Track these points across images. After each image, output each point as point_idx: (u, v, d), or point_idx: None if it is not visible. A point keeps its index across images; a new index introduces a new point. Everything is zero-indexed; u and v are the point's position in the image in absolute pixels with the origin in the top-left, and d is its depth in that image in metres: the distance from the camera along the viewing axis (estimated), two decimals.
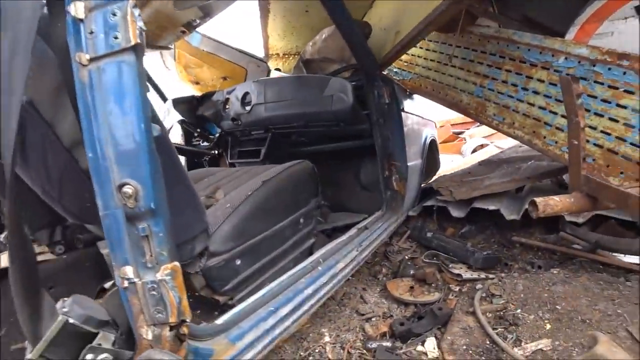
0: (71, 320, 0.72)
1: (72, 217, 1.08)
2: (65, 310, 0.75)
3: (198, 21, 2.36)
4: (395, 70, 2.49)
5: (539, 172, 2.25)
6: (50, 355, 0.69)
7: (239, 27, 3.41)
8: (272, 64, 3.17)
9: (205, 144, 2.75)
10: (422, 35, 1.64)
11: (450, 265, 1.68)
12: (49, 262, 1.59)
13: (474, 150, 5.29)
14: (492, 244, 1.98)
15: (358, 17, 2.57)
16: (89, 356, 0.69)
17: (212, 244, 1.07)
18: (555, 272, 1.53)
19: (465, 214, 2.05)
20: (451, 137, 6.44)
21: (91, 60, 0.67)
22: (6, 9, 0.70)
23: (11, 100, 0.69)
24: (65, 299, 0.80)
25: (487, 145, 5.14)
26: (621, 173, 1.58)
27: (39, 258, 1.70)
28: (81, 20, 0.68)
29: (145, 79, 0.69)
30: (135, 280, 0.70)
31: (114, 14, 0.67)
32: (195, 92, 3.15)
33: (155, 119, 0.75)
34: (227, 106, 2.33)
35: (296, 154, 2.37)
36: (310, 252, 1.48)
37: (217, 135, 2.59)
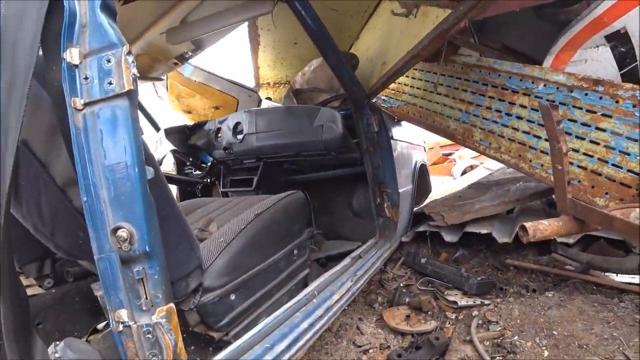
0: None
1: (64, 253, 1.07)
2: (57, 355, 0.74)
3: (190, 54, 2.42)
4: (383, 97, 2.56)
5: (528, 193, 2.30)
6: None
7: (231, 57, 3.50)
8: (263, 93, 3.23)
9: (198, 172, 2.76)
10: (407, 67, 1.70)
11: (446, 292, 1.68)
12: (36, 296, 1.56)
13: (464, 172, 5.38)
14: (486, 267, 1.99)
15: (346, 48, 2.67)
16: None
17: (206, 279, 1.06)
18: (550, 295, 1.54)
19: (458, 239, 2.07)
20: (441, 159, 6.55)
21: (86, 105, 0.69)
22: (4, 53, 0.71)
23: (7, 140, 0.70)
24: (57, 342, 0.78)
25: (476, 166, 5.24)
26: (606, 194, 1.62)
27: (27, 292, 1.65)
28: (76, 66, 0.70)
29: (138, 123, 0.70)
30: (131, 323, 0.69)
31: (109, 61, 0.69)
32: (188, 121, 3.18)
33: (149, 160, 0.77)
34: (219, 135, 2.35)
35: (288, 182, 2.39)
36: (304, 282, 1.47)
37: (210, 164, 2.60)
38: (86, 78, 0.69)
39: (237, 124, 2.18)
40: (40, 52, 0.77)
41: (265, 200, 1.40)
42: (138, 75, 0.69)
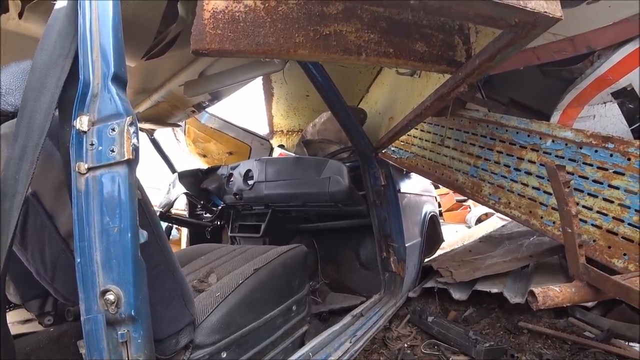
0: None
1: (62, 298, 1.10)
2: None
3: (207, 103, 2.55)
4: (393, 149, 2.59)
5: (543, 249, 2.22)
6: None
7: (246, 105, 3.66)
8: (276, 140, 3.34)
9: (208, 215, 2.80)
10: (413, 124, 1.73)
11: (451, 358, 1.59)
12: (33, 335, 1.55)
13: (479, 220, 5.26)
14: (498, 329, 1.88)
15: (356, 101, 2.76)
16: None
17: (198, 336, 1.04)
18: None
19: (467, 297, 1.99)
20: (455, 206, 6.45)
21: (89, 169, 0.73)
22: (21, 122, 0.77)
23: (13, 204, 0.73)
24: None
25: (492, 214, 5.12)
26: (624, 255, 1.55)
27: (25, 327, 1.66)
28: (84, 132, 0.74)
29: (135, 190, 0.74)
30: None
31: (113, 129, 0.73)
32: (203, 164, 3.29)
33: (147, 222, 0.79)
34: (230, 181, 2.41)
35: (296, 230, 2.39)
36: (302, 340, 1.42)
37: (220, 207, 2.64)
38: (92, 144, 0.74)
39: (248, 171, 2.24)
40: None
41: (267, 253, 1.39)
42: (138, 145, 0.73)
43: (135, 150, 0.72)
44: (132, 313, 0.68)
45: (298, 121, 3.24)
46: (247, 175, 2.26)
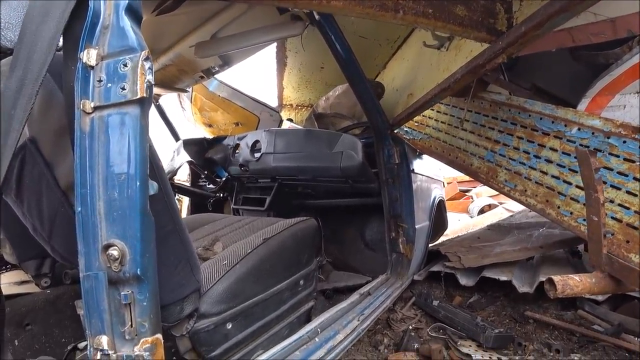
0: None
1: (60, 258, 1.03)
2: None
3: (217, 68, 2.44)
4: (405, 129, 2.50)
5: (552, 240, 2.17)
6: None
7: (256, 75, 3.54)
8: (285, 114, 3.23)
9: (212, 186, 2.73)
10: (436, 100, 1.64)
11: (459, 342, 1.55)
12: (29, 296, 1.51)
13: (482, 210, 5.20)
14: (503, 317, 1.85)
15: (372, 76, 2.65)
16: None
17: (203, 304, 0.99)
18: (576, 358, 1.40)
19: (474, 283, 1.95)
20: (458, 195, 6.39)
21: (95, 108, 0.65)
22: (20, 50, 0.69)
23: (7, 141, 0.66)
24: None
25: (495, 205, 5.06)
26: None
27: (22, 288, 1.62)
28: (92, 67, 0.66)
29: (147, 134, 0.66)
30: (110, 352, 0.62)
31: (125, 65, 0.65)
32: (208, 134, 3.19)
33: (155, 173, 0.71)
34: (236, 152, 2.33)
35: (301, 206, 2.33)
36: (308, 316, 1.37)
37: (224, 179, 2.57)
38: (100, 81, 0.65)
39: (256, 142, 2.15)
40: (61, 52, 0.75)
41: (275, 224, 1.33)
42: (153, 82, 0.64)
43: (150, 88, 0.63)
44: (138, 272, 0.61)
45: (309, 95, 3.12)
46: (255, 147, 2.17)
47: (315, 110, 2.47)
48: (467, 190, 6.53)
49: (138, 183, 0.61)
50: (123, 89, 0.63)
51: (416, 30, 2.21)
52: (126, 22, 0.68)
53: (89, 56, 0.66)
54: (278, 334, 1.21)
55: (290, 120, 3.04)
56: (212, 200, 2.68)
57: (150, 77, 0.63)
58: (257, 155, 2.12)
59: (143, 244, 0.62)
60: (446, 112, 2.36)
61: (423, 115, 2.50)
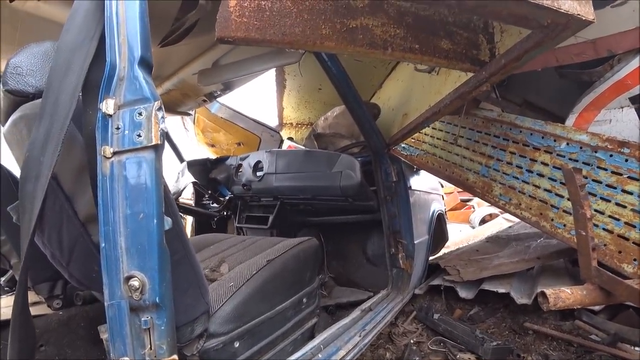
0: None
1: (77, 283, 1.08)
2: None
3: (219, 92, 2.53)
4: (403, 146, 2.58)
5: (550, 251, 2.22)
6: None
7: (257, 95, 3.64)
8: (285, 132, 3.32)
9: (215, 205, 2.80)
10: (429, 122, 1.72)
11: (458, 355, 1.59)
12: (43, 317, 1.57)
13: (483, 220, 5.25)
14: (503, 329, 1.89)
15: (368, 96, 2.74)
16: None
17: (212, 325, 1.05)
18: None
19: (474, 296, 1.99)
20: (459, 205, 6.44)
21: (114, 153, 0.72)
22: (47, 103, 0.77)
23: (38, 184, 0.73)
24: None
25: (496, 215, 5.11)
26: (634, 260, 1.55)
27: (34, 310, 1.67)
28: (110, 115, 0.74)
29: (162, 176, 0.73)
30: None
31: (140, 114, 0.73)
32: (211, 154, 3.28)
33: (169, 209, 0.79)
34: (239, 172, 2.41)
35: (303, 223, 2.39)
36: (311, 332, 1.43)
37: (227, 198, 2.64)
38: (118, 128, 0.73)
39: (258, 162, 2.23)
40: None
41: (278, 244, 1.39)
42: (166, 130, 0.72)
43: (163, 135, 0.71)
44: (157, 300, 0.68)
45: (308, 114, 3.22)
46: (257, 167, 2.25)
47: (314, 130, 2.56)
48: (468, 200, 6.57)
49: (155, 220, 0.69)
50: (139, 135, 0.71)
51: None
52: (139, 74, 0.76)
53: (107, 106, 0.74)
54: (283, 350, 1.26)
55: (290, 139, 3.12)
56: (216, 220, 2.74)
57: (163, 126, 0.71)
58: (259, 175, 2.20)
59: (161, 274, 0.69)
60: (441, 128, 2.44)
61: (419, 132, 2.58)
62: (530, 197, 1.92)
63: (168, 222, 0.71)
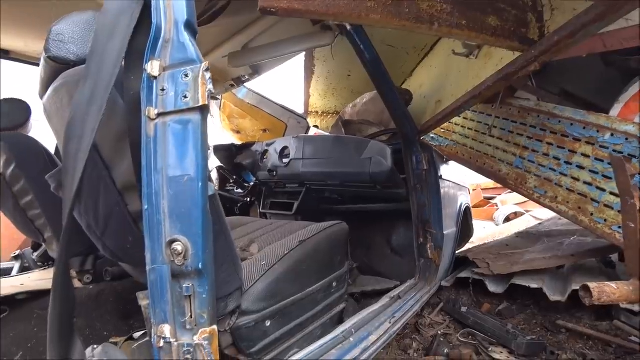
0: None
1: (110, 254, 1.09)
2: (94, 359, 0.73)
3: (247, 77, 2.52)
4: (432, 136, 2.51)
5: (585, 249, 2.13)
6: None
7: (283, 81, 3.61)
8: (310, 121, 3.29)
9: (240, 191, 2.80)
10: (466, 107, 1.66)
11: (490, 349, 1.54)
12: (75, 290, 1.60)
13: (507, 219, 5.10)
14: (534, 326, 1.82)
15: (398, 83, 2.68)
16: None
17: (244, 302, 1.03)
18: None
19: (503, 290, 1.93)
20: (482, 202, 6.28)
21: (159, 115, 0.71)
22: (91, 65, 0.76)
23: (81, 146, 0.73)
24: (95, 346, 0.78)
25: (521, 213, 4.95)
26: None
27: None
28: (155, 77, 0.72)
29: (207, 139, 0.71)
30: (172, 340, 0.67)
31: (186, 75, 0.71)
32: (235, 140, 3.29)
33: (210, 178, 0.77)
34: (265, 157, 2.39)
35: (328, 210, 2.36)
36: (340, 317, 1.40)
37: (252, 184, 2.64)
38: (163, 90, 0.72)
39: (285, 148, 2.21)
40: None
41: (309, 227, 1.37)
42: (213, 91, 0.70)
43: (209, 96, 0.69)
44: (200, 266, 0.67)
45: (335, 102, 3.18)
46: (283, 153, 2.23)
47: (342, 117, 2.52)
48: (492, 198, 6.41)
49: (200, 184, 0.67)
50: (185, 97, 0.69)
51: (443, 39, 2.24)
52: (185, 37, 0.74)
53: (152, 67, 0.73)
54: (312, 333, 1.24)
55: (316, 127, 3.09)
56: (239, 205, 2.75)
57: (210, 87, 0.69)
58: (285, 161, 2.18)
59: (205, 240, 0.67)
60: (473, 118, 2.36)
61: (449, 122, 2.51)
62: (567, 190, 1.83)
63: (211, 187, 0.70)
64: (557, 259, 2.04)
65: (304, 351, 1.04)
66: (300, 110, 3.28)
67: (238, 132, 3.25)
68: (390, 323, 1.34)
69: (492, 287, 1.96)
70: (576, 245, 2.22)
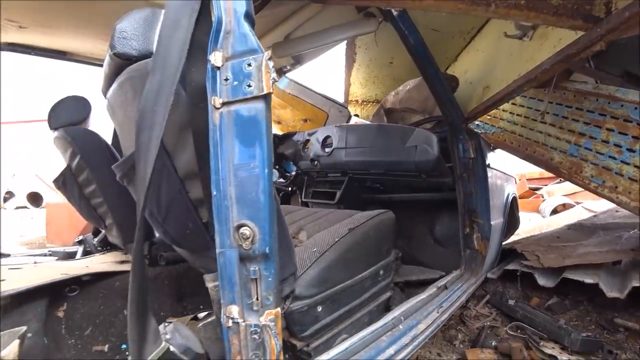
0: (172, 349, 0.75)
1: (170, 240, 1.14)
2: (167, 337, 0.78)
3: (289, 67, 2.54)
4: (477, 123, 2.43)
5: None
6: None
7: (323, 71, 3.59)
8: (350, 110, 3.28)
9: (281, 180, 2.85)
10: (519, 92, 1.58)
11: (541, 343, 1.49)
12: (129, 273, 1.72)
13: (555, 210, 4.86)
14: (588, 323, 1.74)
15: (442, 69, 2.59)
16: None
17: (298, 287, 1.06)
18: None
19: (554, 284, 1.85)
20: (527, 193, 6.02)
21: (223, 104, 0.74)
22: (157, 57, 0.80)
23: (153, 134, 0.77)
24: (167, 324, 0.83)
25: (571, 205, 4.70)
26: None
27: (124, 267, 1.85)
28: (218, 68, 0.75)
29: (271, 126, 0.74)
30: (240, 321, 0.71)
31: (249, 65, 0.73)
32: (277, 131, 3.34)
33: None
34: (306, 147, 2.41)
35: (370, 200, 2.36)
36: (386, 305, 1.41)
37: (294, 173, 2.68)
38: (226, 79, 0.74)
39: (327, 137, 2.22)
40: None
41: (355, 215, 1.38)
42: (277, 79, 0.72)
43: (273, 84, 0.71)
44: (266, 250, 0.70)
45: (376, 91, 3.13)
46: (326, 142, 2.24)
47: (383, 106, 2.48)
48: (537, 189, 6.13)
49: (266, 170, 0.69)
50: (249, 85, 0.72)
51: (492, 20, 2.13)
52: (245, 27, 0.76)
53: (215, 58, 0.75)
54: (360, 320, 1.26)
55: (356, 115, 3.07)
56: (281, 195, 2.80)
57: (274, 75, 0.71)
58: (328, 150, 2.19)
59: (271, 225, 0.70)
60: (522, 104, 2.25)
61: (497, 108, 2.41)
62: (630, 180, 1.72)
63: (275, 173, 0.72)
64: (614, 253, 1.93)
65: (356, 336, 1.06)
66: (340, 99, 3.26)
67: (279, 123, 3.29)
68: (438, 313, 1.34)
69: (542, 281, 1.88)
70: (636, 239, 2.08)
